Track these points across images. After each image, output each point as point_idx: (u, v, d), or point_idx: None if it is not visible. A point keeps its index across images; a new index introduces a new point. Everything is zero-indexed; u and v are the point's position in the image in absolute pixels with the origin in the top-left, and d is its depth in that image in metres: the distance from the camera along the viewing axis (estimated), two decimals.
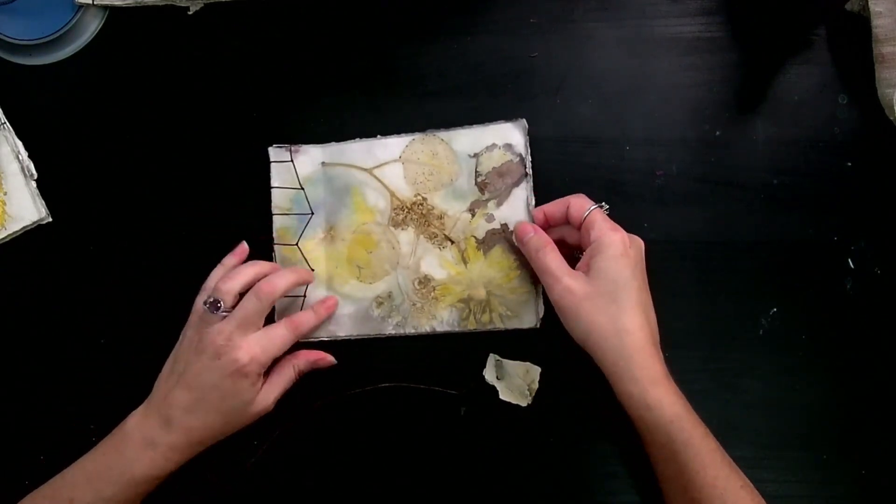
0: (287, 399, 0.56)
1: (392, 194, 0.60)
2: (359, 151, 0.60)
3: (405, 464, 0.57)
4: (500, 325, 0.58)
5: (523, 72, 0.61)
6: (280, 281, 0.55)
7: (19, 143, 0.61)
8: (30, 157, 0.61)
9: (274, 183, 0.60)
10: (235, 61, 0.63)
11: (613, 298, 0.51)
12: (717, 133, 0.60)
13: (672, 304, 0.56)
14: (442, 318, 0.58)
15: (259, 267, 0.56)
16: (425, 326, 0.59)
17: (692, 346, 0.57)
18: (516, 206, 0.59)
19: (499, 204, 0.59)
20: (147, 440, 0.52)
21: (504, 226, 0.59)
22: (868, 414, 0.57)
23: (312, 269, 0.60)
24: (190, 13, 0.63)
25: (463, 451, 0.57)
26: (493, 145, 0.60)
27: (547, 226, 0.57)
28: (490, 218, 0.59)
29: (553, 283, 0.53)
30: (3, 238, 0.60)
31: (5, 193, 0.60)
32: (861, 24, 0.59)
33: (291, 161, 0.60)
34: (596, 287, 0.51)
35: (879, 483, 0.56)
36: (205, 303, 0.53)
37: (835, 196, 0.59)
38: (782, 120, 0.60)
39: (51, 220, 0.61)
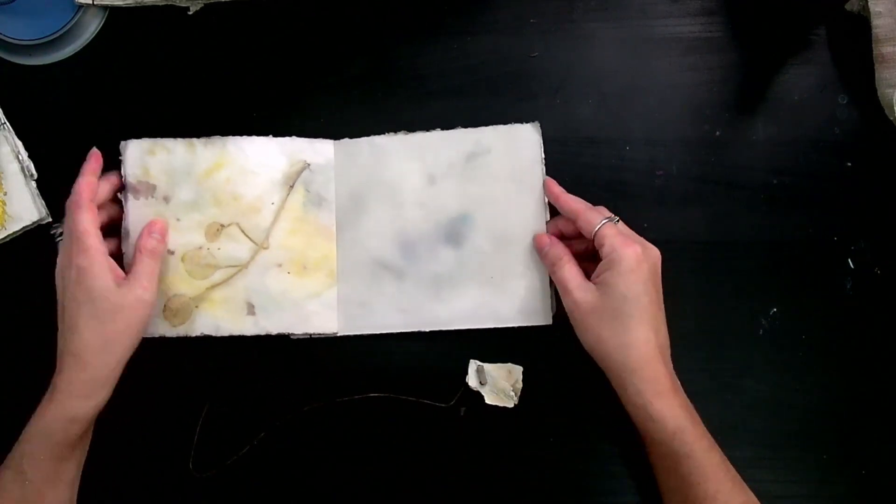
0: (274, 402, 0.57)
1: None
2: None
3: (401, 469, 0.57)
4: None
5: (523, 72, 0.61)
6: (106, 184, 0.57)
7: (19, 143, 0.61)
8: (30, 157, 0.61)
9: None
10: (235, 61, 0.62)
11: (619, 313, 0.51)
12: (717, 133, 0.60)
13: (672, 304, 0.56)
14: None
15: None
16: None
17: (692, 346, 0.57)
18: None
19: None
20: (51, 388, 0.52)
21: None
22: (868, 414, 0.57)
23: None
24: (190, 13, 0.63)
25: (457, 456, 0.57)
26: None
27: (561, 235, 0.57)
28: None
29: (564, 295, 0.54)
30: (3, 238, 0.60)
31: (5, 193, 0.60)
32: (861, 24, 0.59)
33: None
34: (603, 302, 0.52)
35: (879, 483, 0.56)
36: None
37: (835, 196, 0.59)
38: (782, 120, 0.60)
39: (51, 220, 0.61)
